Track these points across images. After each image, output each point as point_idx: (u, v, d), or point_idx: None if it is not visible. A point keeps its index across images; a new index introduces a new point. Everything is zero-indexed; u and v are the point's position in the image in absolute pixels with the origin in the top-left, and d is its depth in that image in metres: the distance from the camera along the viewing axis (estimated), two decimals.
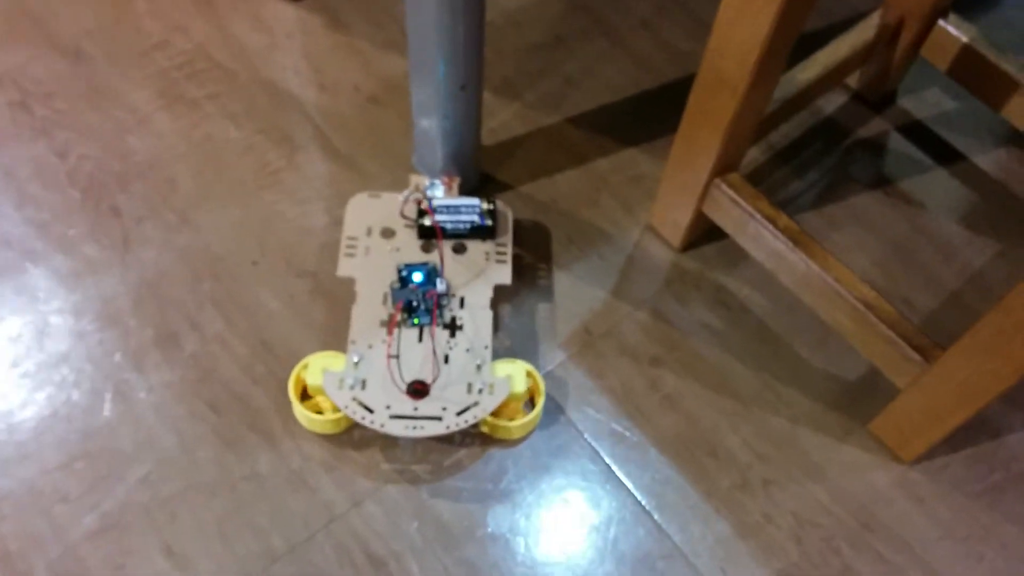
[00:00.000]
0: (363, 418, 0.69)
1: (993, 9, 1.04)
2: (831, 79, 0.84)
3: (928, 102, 0.97)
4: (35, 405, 0.74)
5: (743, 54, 0.63)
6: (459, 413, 0.69)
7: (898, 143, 0.95)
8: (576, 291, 0.83)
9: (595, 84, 0.97)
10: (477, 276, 0.77)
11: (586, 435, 0.75)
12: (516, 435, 0.74)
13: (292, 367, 0.77)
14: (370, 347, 0.72)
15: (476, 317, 0.74)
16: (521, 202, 0.88)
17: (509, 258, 0.78)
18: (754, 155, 0.93)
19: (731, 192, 0.74)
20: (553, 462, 0.74)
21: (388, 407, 0.69)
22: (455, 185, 0.81)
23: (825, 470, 0.74)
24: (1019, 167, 0.94)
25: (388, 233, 0.79)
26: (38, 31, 0.95)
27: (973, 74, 0.86)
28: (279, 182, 0.88)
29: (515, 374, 0.71)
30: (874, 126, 0.96)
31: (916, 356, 0.67)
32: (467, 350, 0.72)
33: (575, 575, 0.69)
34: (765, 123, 0.79)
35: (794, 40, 0.65)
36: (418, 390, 0.70)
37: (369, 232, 0.79)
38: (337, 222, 0.85)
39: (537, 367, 0.75)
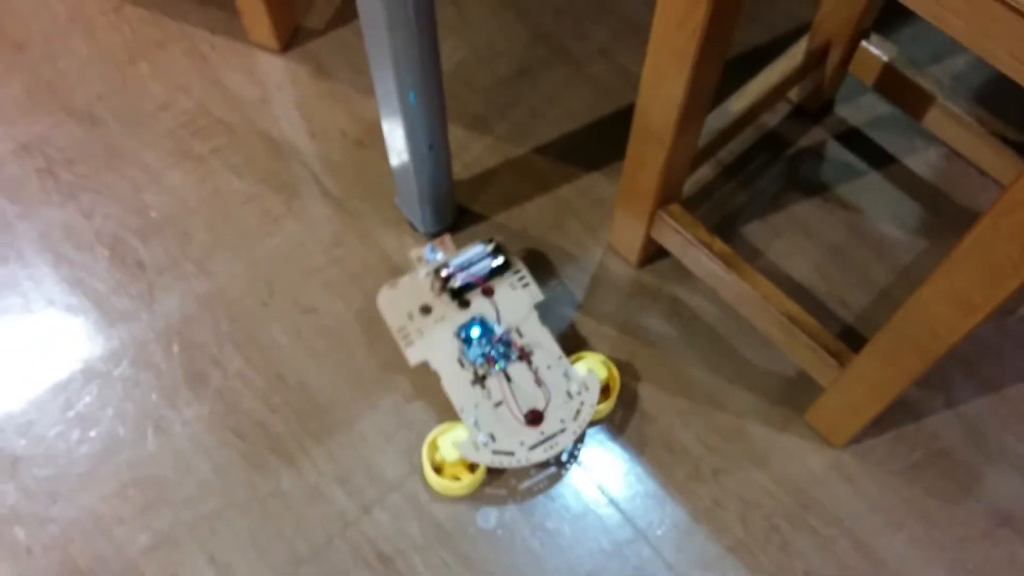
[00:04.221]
0: (509, 463, 0.79)
1: (911, 23, 1.12)
2: (764, 105, 0.94)
3: (863, 108, 1.07)
4: (88, 442, 0.87)
5: (666, 113, 0.73)
6: (575, 418, 0.81)
7: (835, 151, 1.04)
8: (546, 311, 0.94)
9: (558, 113, 1.07)
10: (516, 306, 0.87)
11: None
12: (603, 415, 0.86)
13: (304, 396, 0.89)
14: (476, 406, 0.81)
15: (537, 337, 0.85)
16: (495, 231, 0.99)
17: (530, 279, 0.89)
18: (704, 172, 1.03)
19: (672, 221, 0.85)
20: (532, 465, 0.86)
21: (522, 443, 0.80)
22: (447, 240, 0.91)
23: (767, 457, 0.86)
24: (947, 166, 1.04)
25: (426, 310, 0.87)
26: (55, 100, 1.07)
27: (895, 89, 0.95)
28: (281, 228, 0.99)
29: (593, 366, 0.83)
30: (813, 135, 1.05)
31: (833, 361, 0.78)
32: (548, 367, 0.83)
33: (555, 562, 0.82)
34: (703, 154, 0.89)
35: (710, 99, 0.75)
36: (535, 418, 0.81)
37: (411, 316, 0.86)
38: (334, 262, 0.97)
39: None
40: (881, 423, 0.87)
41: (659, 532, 0.82)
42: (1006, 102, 1.06)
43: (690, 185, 1.01)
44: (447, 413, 0.85)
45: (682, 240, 0.86)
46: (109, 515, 0.84)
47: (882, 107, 1.07)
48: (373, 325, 0.93)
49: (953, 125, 0.93)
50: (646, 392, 0.89)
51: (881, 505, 0.83)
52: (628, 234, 0.92)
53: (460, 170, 1.03)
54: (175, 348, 0.92)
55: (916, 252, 0.97)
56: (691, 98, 0.71)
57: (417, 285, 0.88)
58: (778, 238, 0.98)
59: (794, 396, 0.89)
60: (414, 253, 0.91)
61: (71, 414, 0.88)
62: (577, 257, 0.98)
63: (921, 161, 1.04)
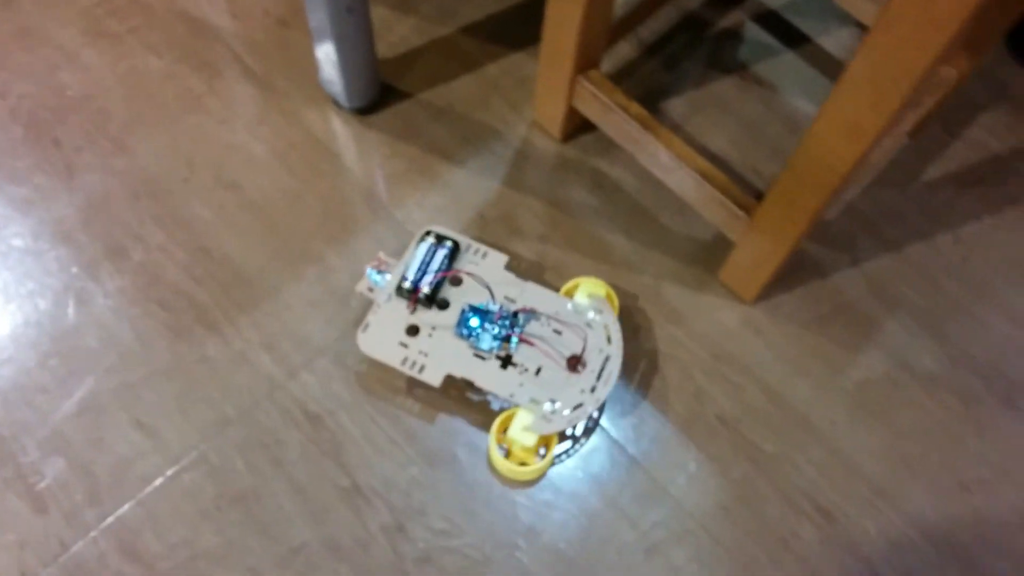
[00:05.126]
0: (584, 414, 0.77)
1: None
2: None
3: None
4: (8, 315, 0.86)
5: None
6: (609, 342, 0.80)
7: (753, 32, 1.07)
8: (472, 184, 0.95)
9: None
10: (492, 277, 0.83)
11: None
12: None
13: (229, 268, 0.89)
14: (521, 385, 0.78)
15: (528, 292, 0.83)
16: (420, 108, 0.99)
17: (486, 247, 0.85)
18: (626, 51, 1.04)
19: (591, 87, 0.86)
20: None
21: (582, 390, 0.78)
22: (383, 255, 0.85)
23: (683, 315, 0.89)
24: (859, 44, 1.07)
25: (413, 330, 0.81)
26: None
27: None
28: (202, 106, 0.98)
29: (592, 291, 0.83)
30: (732, 17, 1.08)
31: (742, 213, 0.81)
32: (556, 312, 0.81)
33: (475, 416, 0.84)
34: (623, 26, 0.91)
35: None
36: (576, 363, 0.79)
37: (404, 345, 0.80)
38: (257, 139, 0.96)
39: None
40: (790, 281, 0.91)
41: None
42: None
43: (613, 63, 1.03)
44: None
45: (601, 106, 0.87)
46: (31, 385, 0.83)
47: None
48: (298, 200, 0.93)
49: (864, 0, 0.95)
50: (569, 259, 0.92)
51: (788, 354, 0.88)
52: (550, 106, 0.94)
53: (385, 49, 1.03)
54: (95, 223, 0.91)
55: None
56: None
57: (387, 314, 0.82)
58: (697, 114, 1.01)
59: (709, 258, 0.92)
60: (360, 285, 0.83)
61: None
62: (502, 133, 0.99)
63: (834, 41, 1.07)
